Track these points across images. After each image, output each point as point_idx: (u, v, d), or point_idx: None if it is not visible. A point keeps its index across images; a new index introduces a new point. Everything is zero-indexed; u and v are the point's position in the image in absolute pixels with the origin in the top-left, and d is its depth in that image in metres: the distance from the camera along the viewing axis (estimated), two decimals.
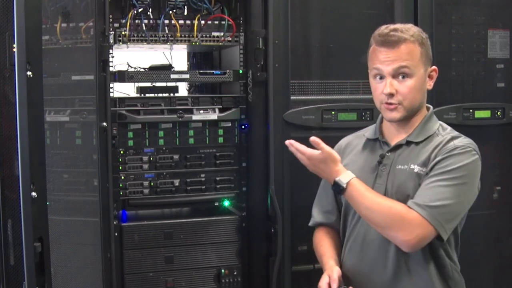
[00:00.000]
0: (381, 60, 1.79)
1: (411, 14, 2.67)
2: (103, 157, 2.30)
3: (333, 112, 2.62)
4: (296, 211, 2.58)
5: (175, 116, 2.50)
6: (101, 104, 2.30)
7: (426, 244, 1.74)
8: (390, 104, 1.79)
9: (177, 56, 2.91)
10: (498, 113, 2.85)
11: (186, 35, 2.53)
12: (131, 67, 2.62)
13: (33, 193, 1.53)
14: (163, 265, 2.47)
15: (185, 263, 2.50)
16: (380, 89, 1.81)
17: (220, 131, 2.58)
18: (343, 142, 2.06)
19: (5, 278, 1.58)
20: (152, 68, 2.63)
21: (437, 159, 1.75)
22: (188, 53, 3.10)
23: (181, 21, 2.52)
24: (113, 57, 2.42)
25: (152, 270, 2.46)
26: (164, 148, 2.52)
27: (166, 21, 2.49)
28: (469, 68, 2.85)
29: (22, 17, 1.49)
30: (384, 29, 1.81)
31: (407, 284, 1.79)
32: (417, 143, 1.83)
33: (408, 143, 1.84)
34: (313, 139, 1.78)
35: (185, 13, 2.57)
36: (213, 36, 2.56)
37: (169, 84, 2.60)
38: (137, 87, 2.61)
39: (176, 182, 2.53)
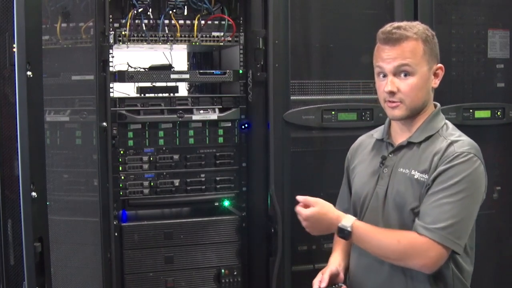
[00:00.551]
0: (383, 58, 1.78)
1: (411, 14, 2.67)
2: (103, 157, 2.30)
3: (333, 112, 2.62)
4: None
5: (175, 116, 2.50)
6: (101, 104, 2.30)
7: None
8: (392, 102, 1.79)
9: (177, 56, 2.91)
10: (498, 113, 2.85)
11: (186, 35, 2.53)
12: (131, 67, 2.62)
13: (33, 193, 1.53)
14: (163, 265, 2.47)
15: (185, 263, 2.50)
16: (383, 86, 1.80)
17: (220, 131, 2.58)
18: (357, 142, 2.04)
19: (5, 278, 1.58)
20: (152, 68, 2.63)
21: (439, 169, 1.71)
22: (188, 53, 3.10)
23: (181, 21, 2.52)
24: (113, 57, 2.42)
25: (152, 270, 2.46)
26: (164, 148, 2.52)
27: (166, 21, 2.49)
28: (469, 68, 2.85)
29: (22, 17, 1.49)
30: (388, 26, 1.80)
31: (402, 286, 1.78)
32: (418, 144, 1.80)
33: (409, 144, 1.82)
34: (298, 198, 1.82)
35: (185, 13, 2.57)
36: (213, 36, 2.57)
37: (169, 84, 2.60)
38: (137, 87, 2.61)
39: (176, 182, 2.53)
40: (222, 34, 2.57)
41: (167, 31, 2.49)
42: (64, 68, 2.29)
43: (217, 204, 2.63)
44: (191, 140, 2.55)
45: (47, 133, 2.26)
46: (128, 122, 2.46)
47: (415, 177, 1.75)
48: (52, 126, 2.31)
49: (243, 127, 2.59)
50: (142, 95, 2.56)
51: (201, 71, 2.63)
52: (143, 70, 2.60)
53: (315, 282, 1.87)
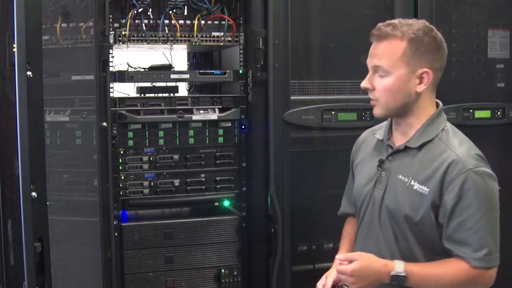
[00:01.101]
0: (369, 53, 1.77)
1: (411, 14, 2.67)
2: (103, 157, 2.30)
3: (333, 112, 2.62)
4: (296, 211, 2.58)
5: (175, 116, 2.50)
6: (101, 104, 2.30)
7: (426, 249, 1.74)
8: (372, 99, 1.78)
9: (177, 56, 2.91)
10: (498, 113, 2.85)
11: (186, 35, 2.53)
12: (131, 67, 2.62)
13: (33, 193, 1.53)
14: (163, 265, 2.47)
15: (185, 263, 2.50)
16: None
17: (220, 131, 2.58)
18: (361, 137, 2.01)
19: (5, 278, 1.58)
20: (152, 68, 2.63)
21: (457, 192, 1.66)
22: (188, 53, 3.10)
23: (181, 21, 2.52)
24: (113, 57, 2.42)
25: (152, 270, 2.46)
26: (164, 148, 2.52)
27: (166, 21, 2.49)
28: (469, 68, 2.85)
29: (22, 17, 1.49)
30: (381, 23, 1.76)
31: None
32: (416, 150, 1.75)
33: (407, 148, 1.77)
34: (338, 257, 1.77)
35: (185, 13, 2.57)
36: (213, 36, 2.56)
37: (169, 84, 2.60)
38: (137, 87, 2.61)
39: (176, 182, 2.53)
40: (222, 34, 2.56)
41: (167, 31, 2.49)
42: (64, 68, 2.29)
43: (217, 204, 2.63)
44: (191, 140, 2.55)
45: (47, 133, 2.26)
46: (128, 122, 2.46)
47: (414, 188, 1.72)
48: (52, 126, 2.31)
49: (243, 127, 2.59)
50: (142, 95, 2.56)
51: (201, 71, 2.63)
52: (143, 70, 2.60)
53: (319, 285, 1.86)
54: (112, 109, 2.39)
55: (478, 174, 1.67)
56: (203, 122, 2.55)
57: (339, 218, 2.11)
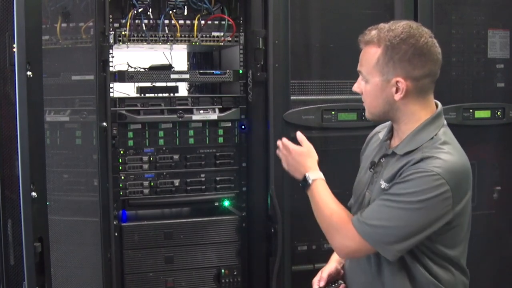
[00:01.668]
0: None
1: (411, 14, 2.67)
2: (103, 157, 2.30)
3: (333, 112, 2.62)
4: (296, 211, 2.58)
5: (175, 116, 2.50)
6: (101, 104, 2.30)
7: (400, 256, 1.66)
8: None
9: (177, 56, 2.91)
10: (498, 113, 2.85)
11: (186, 35, 2.53)
12: (131, 67, 2.62)
13: (33, 193, 1.53)
14: (163, 265, 2.47)
15: (185, 263, 2.50)
16: None
17: (220, 131, 2.58)
18: (372, 132, 1.98)
19: (5, 278, 1.58)
20: (152, 68, 2.64)
21: (396, 180, 1.64)
22: (188, 53, 3.10)
23: (181, 21, 2.52)
24: (113, 57, 2.42)
25: (152, 270, 2.47)
26: (164, 148, 2.52)
27: (166, 21, 2.49)
28: (469, 68, 2.85)
29: (22, 17, 1.49)
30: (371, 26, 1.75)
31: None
32: (401, 156, 1.69)
33: (393, 154, 1.74)
34: (299, 134, 1.89)
35: (185, 13, 2.57)
36: (213, 36, 2.56)
37: (169, 84, 2.60)
38: (137, 87, 2.61)
39: (176, 182, 2.53)
40: (222, 34, 2.57)
41: (167, 31, 2.49)
42: (64, 68, 2.29)
43: (217, 204, 2.63)
44: (191, 140, 2.55)
45: (47, 133, 2.26)
46: (128, 122, 2.46)
47: (382, 186, 1.70)
48: (52, 126, 2.31)
49: (243, 127, 2.59)
50: (142, 95, 2.56)
51: (201, 71, 2.63)
52: (143, 70, 2.60)
53: (315, 281, 1.89)
54: (112, 109, 2.39)
55: (428, 178, 1.57)
56: (203, 122, 2.55)
57: None
